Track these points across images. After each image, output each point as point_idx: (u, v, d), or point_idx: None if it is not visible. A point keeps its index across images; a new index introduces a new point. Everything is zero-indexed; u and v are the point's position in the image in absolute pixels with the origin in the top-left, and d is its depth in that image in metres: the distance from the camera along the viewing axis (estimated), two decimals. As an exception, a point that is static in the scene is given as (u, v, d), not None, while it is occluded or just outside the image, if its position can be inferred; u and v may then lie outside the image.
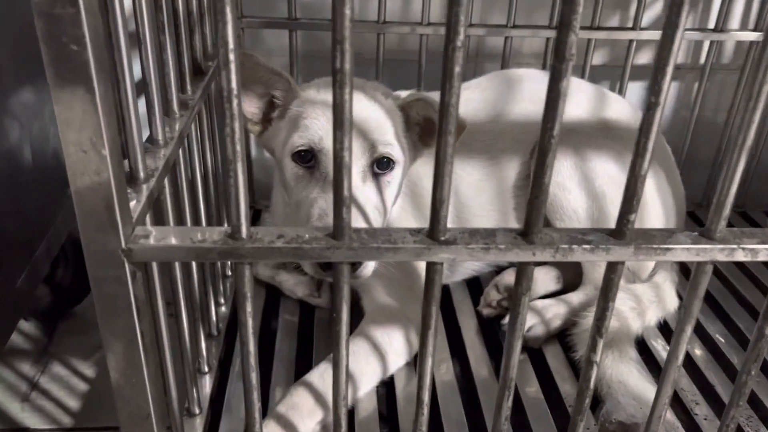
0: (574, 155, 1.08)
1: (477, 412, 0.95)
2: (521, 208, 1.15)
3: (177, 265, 0.76)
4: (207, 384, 0.95)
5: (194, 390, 0.88)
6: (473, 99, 1.15)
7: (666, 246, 0.58)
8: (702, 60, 1.44)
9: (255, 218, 1.42)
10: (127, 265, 0.54)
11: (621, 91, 1.38)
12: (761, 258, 0.59)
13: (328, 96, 0.91)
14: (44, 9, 0.44)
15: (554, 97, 0.51)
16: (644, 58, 1.47)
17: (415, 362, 1.01)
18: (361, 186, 0.86)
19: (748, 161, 0.58)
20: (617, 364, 0.97)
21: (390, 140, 0.89)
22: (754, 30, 1.37)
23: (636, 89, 1.50)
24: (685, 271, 1.26)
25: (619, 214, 0.58)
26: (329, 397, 0.88)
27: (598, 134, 1.11)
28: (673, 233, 0.59)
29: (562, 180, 1.08)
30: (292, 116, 0.91)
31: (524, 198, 1.17)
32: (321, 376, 0.89)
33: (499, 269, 1.24)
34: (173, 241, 0.54)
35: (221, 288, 1.11)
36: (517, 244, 0.57)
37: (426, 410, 0.65)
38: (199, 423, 0.88)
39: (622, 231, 0.58)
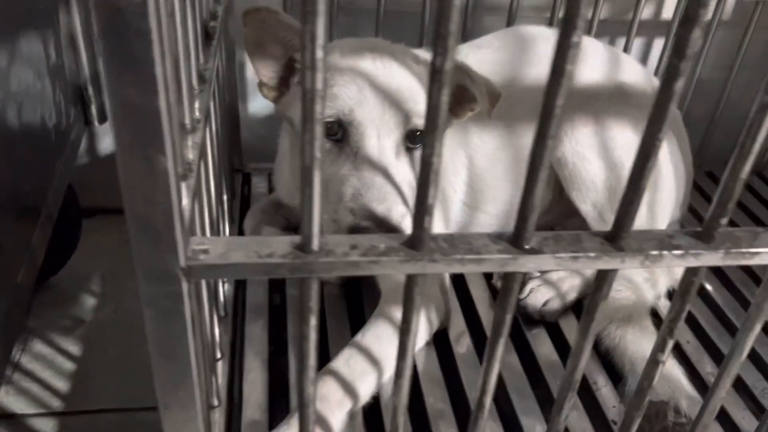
0: (593, 123, 1.04)
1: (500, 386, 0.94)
2: None
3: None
4: (220, 372, 0.90)
5: (213, 380, 0.83)
6: (486, 60, 1.09)
7: (754, 250, 0.55)
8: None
9: (245, 181, 1.34)
10: (184, 284, 0.47)
11: (627, 49, 1.34)
12: None
13: (354, 61, 0.83)
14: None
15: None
16: (645, 13, 1.43)
17: (434, 340, 0.99)
18: (395, 162, 0.80)
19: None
20: (639, 339, 0.96)
21: (423, 111, 0.82)
22: (761, -12, 1.34)
23: (636, 46, 1.46)
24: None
25: (709, 218, 0.54)
26: (357, 384, 0.85)
27: (616, 100, 1.07)
28: (758, 234, 0.57)
29: (582, 149, 1.04)
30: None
31: None
32: (347, 363, 0.85)
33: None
34: (237, 257, 0.48)
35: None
36: (606, 251, 0.53)
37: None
38: (219, 417, 0.83)
39: (712, 234, 0.54)
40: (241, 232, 1.13)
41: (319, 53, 0.41)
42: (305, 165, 0.45)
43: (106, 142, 1.42)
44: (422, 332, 0.96)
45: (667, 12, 1.42)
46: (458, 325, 1.03)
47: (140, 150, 0.41)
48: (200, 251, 0.48)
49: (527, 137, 1.09)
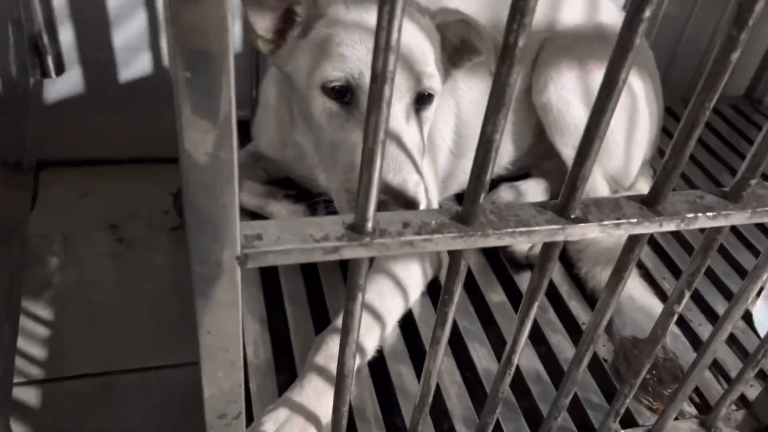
0: (578, 67, 1.04)
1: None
2: (520, 123, 1.11)
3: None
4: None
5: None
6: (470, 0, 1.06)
7: (777, 208, 0.58)
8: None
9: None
10: (239, 271, 0.46)
11: None
12: None
13: (362, 15, 0.79)
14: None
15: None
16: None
17: (428, 290, 1.00)
18: (405, 127, 0.78)
19: None
20: (624, 279, 1.00)
21: (433, 71, 0.80)
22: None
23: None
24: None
25: (739, 179, 0.56)
26: (363, 340, 0.85)
27: (598, 42, 1.07)
28: (778, 192, 0.59)
29: (566, 94, 1.04)
30: (319, 38, 0.80)
31: (522, 113, 1.13)
32: None
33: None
34: (292, 239, 0.46)
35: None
36: (646, 216, 0.54)
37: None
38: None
39: (740, 195, 0.56)
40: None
41: (395, 35, 0.38)
42: (368, 147, 0.43)
43: (54, 93, 1.32)
44: (420, 283, 0.96)
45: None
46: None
47: (206, 147, 0.38)
48: (254, 237, 0.46)
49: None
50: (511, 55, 0.42)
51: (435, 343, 0.59)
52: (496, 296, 1.03)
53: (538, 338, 0.97)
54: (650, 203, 0.54)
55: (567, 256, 1.10)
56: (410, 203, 0.76)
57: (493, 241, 0.51)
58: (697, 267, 0.62)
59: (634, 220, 0.53)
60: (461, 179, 1.17)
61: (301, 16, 0.81)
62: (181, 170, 0.40)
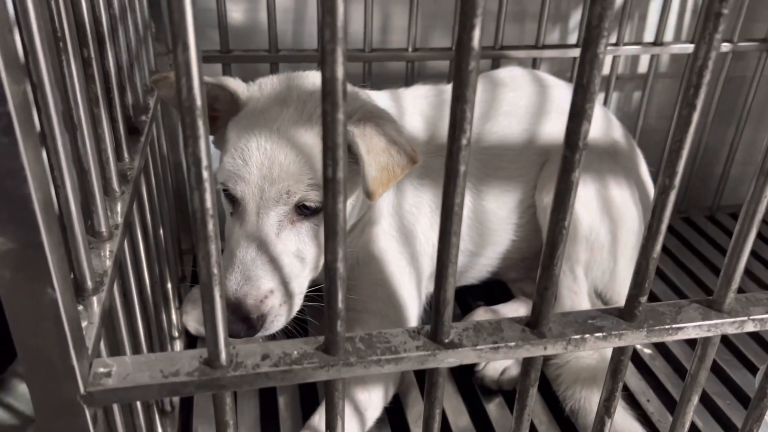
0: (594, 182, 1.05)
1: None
2: (528, 227, 1.12)
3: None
4: (167, 471, 0.86)
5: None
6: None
7: (677, 326, 0.55)
8: (640, 69, 1.46)
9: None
10: (87, 412, 0.45)
11: (606, 103, 1.38)
12: (770, 327, 0.57)
13: (253, 123, 0.83)
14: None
15: (564, 189, 0.46)
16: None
17: (387, 410, 0.96)
18: (274, 239, 0.80)
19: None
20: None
21: (316, 180, 0.80)
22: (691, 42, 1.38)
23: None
24: (651, 297, 1.25)
25: (628, 296, 0.54)
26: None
27: (604, 156, 1.09)
28: (681, 308, 0.56)
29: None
30: (229, 137, 0.85)
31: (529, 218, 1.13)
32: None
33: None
34: (141, 377, 0.46)
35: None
36: (528, 339, 0.52)
37: None
38: None
39: (633, 313, 0.54)
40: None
41: (205, 174, 0.40)
42: (203, 283, 0.44)
43: None
44: (380, 406, 0.91)
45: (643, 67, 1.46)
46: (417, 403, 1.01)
47: (25, 285, 0.40)
48: (103, 374, 0.46)
49: (492, 199, 1.08)
50: (333, 188, 0.43)
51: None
52: (462, 421, 0.98)
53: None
54: (533, 325, 0.53)
55: (543, 375, 1.05)
56: (246, 319, 0.76)
57: (358, 371, 0.49)
58: (609, 392, 0.58)
59: (513, 344, 0.51)
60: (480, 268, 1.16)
61: (221, 111, 0.87)
62: (6, 310, 0.41)
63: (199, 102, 0.38)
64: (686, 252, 1.43)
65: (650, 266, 0.52)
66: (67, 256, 0.52)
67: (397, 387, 0.96)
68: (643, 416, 0.99)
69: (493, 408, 1.01)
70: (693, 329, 0.55)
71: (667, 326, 0.54)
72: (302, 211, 0.82)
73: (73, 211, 0.50)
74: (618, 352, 0.56)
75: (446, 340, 0.51)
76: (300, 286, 0.83)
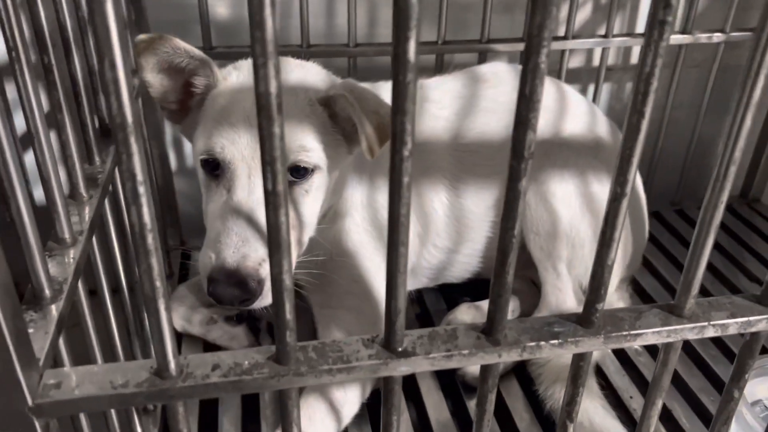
0: (574, 177, 1.04)
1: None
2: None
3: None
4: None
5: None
6: (440, 117, 1.08)
7: (636, 332, 0.54)
8: (632, 60, 1.44)
9: (187, 258, 1.32)
10: (37, 423, 0.46)
11: (595, 99, 1.36)
12: (732, 332, 0.56)
13: (239, 93, 0.82)
14: None
15: (512, 197, 0.46)
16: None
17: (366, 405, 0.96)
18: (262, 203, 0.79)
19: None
20: (584, 400, 0.94)
21: (306, 144, 0.80)
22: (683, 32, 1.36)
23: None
24: (639, 291, 1.25)
25: (586, 302, 0.54)
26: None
27: (586, 152, 1.08)
28: (641, 314, 0.56)
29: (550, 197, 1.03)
30: (206, 111, 0.84)
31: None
32: None
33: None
34: (90, 388, 0.46)
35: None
36: (482, 347, 0.52)
37: None
38: None
39: (590, 320, 0.54)
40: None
41: (141, 189, 0.40)
42: (147, 295, 0.44)
43: None
44: (356, 403, 0.91)
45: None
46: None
47: (-37, 299, 0.40)
48: (52, 386, 0.46)
49: (469, 196, 1.08)
50: (274, 201, 0.42)
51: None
52: (443, 417, 0.98)
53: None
54: (488, 332, 0.52)
55: (525, 373, 1.05)
56: (242, 283, 0.74)
57: (309, 380, 0.49)
58: (571, 397, 0.58)
59: (466, 352, 0.51)
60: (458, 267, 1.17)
61: (199, 87, 0.86)
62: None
63: (130, 119, 0.38)
64: (677, 245, 1.41)
65: (605, 273, 0.51)
66: (31, 265, 0.53)
67: (376, 383, 0.96)
68: (626, 414, 0.98)
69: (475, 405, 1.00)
70: (652, 335, 0.55)
71: (625, 332, 0.54)
72: (293, 175, 0.81)
73: (26, 220, 0.51)
74: (577, 358, 0.56)
75: (399, 349, 0.51)
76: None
